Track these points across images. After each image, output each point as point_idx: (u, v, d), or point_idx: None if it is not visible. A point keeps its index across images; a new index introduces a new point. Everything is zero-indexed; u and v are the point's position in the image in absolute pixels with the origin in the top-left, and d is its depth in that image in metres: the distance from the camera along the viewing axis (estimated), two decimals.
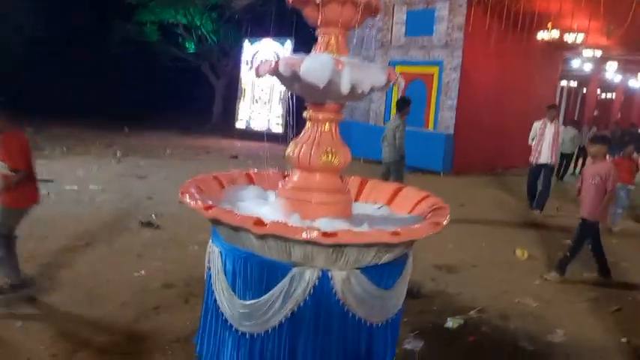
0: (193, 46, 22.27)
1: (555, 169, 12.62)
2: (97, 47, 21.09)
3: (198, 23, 21.40)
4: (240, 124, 19.32)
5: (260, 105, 18.95)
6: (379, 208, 3.53)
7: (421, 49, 12.76)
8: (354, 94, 2.84)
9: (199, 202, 2.68)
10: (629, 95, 29.09)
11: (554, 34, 13.16)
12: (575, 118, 18.76)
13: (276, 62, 2.83)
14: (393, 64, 13.21)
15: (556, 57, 17.09)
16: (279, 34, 18.84)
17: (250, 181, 3.67)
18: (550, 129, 8.06)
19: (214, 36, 21.98)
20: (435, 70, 12.57)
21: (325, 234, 2.43)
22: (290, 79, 2.87)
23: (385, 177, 7.07)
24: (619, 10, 10.33)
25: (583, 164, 13.15)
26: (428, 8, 12.61)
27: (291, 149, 3.13)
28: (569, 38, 13.51)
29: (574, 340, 3.95)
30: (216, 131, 19.28)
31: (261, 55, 18.82)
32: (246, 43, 19.37)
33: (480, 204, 8.74)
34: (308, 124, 3.15)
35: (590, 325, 4.25)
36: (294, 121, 3.44)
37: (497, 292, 4.78)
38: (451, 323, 3.99)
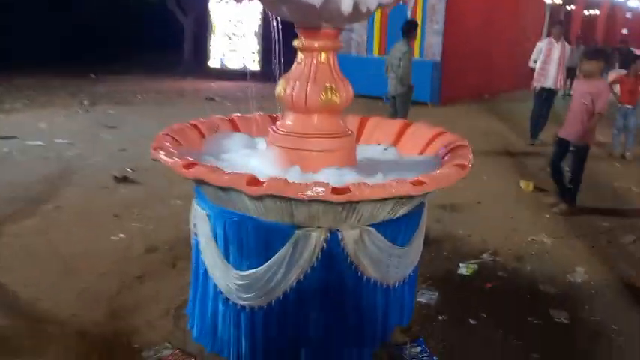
0: None
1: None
2: None
3: None
4: (213, 63, 18.32)
5: (233, 40, 17.92)
6: (385, 150, 3.08)
7: None
8: (357, 13, 2.30)
9: (177, 160, 2.19)
10: (612, 12, 28.32)
11: None
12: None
13: None
14: None
15: None
16: None
17: (234, 127, 3.16)
18: (557, 49, 7.47)
19: None
20: None
21: (336, 190, 1.98)
22: (277, 1, 2.31)
23: (393, 114, 6.45)
24: None
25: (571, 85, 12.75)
26: None
27: (281, 87, 2.61)
28: None
29: (596, 278, 3.68)
30: (189, 72, 18.27)
31: None
32: None
33: (474, 135, 8.30)
34: (300, 55, 2.61)
35: (610, 261, 3.97)
36: (279, 55, 2.89)
37: (507, 230, 4.46)
38: (465, 269, 3.67)
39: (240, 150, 2.82)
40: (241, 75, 17.13)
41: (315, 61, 2.55)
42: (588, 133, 4.72)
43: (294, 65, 2.64)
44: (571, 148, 4.85)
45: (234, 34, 17.78)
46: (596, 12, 25.98)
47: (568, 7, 22.31)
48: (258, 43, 17.22)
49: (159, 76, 16.65)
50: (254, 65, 17.34)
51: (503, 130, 9.17)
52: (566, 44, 7.69)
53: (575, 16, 23.03)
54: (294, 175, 2.26)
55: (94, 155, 6.47)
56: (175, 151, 2.33)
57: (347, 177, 2.27)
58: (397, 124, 3.23)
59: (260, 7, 16.85)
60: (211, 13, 18.14)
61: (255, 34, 17.28)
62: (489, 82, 13.56)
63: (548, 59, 7.38)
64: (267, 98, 11.55)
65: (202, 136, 2.90)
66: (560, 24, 8.27)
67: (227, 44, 17.95)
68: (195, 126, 2.91)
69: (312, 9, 2.23)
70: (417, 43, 12.11)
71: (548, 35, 8.49)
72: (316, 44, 2.53)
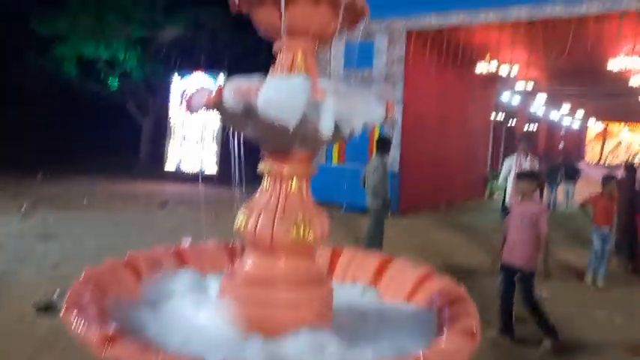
0: (117, 83, 20.66)
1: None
2: (7, 83, 19.12)
3: (122, 58, 19.92)
4: (169, 166, 17.92)
5: (191, 144, 17.72)
6: (363, 291, 2.56)
7: (361, 83, 12.20)
8: (337, 134, 1.91)
9: (93, 330, 1.59)
10: (550, 127, 30.28)
11: (493, 65, 13.08)
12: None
13: (219, 90, 1.85)
14: None
15: (491, 90, 17.23)
16: (211, 66, 17.91)
17: (181, 261, 2.60)
18: (527, 164, 7.32)
19: (139, 71, 20.56)
20: None
21: None
22: (240, 116, 1.88)
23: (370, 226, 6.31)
24: (554, 43, 10.27)
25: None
26: (367, 41, 12.10)
27: (242, 219, 2.12)
28: (504, 71, 13.49)
29: None
30: (144, 174, 17.72)
31: (192, 90, 17.73)
32: (175, 78, 18.19)
33: (439, 249, 7.99)
34: (266, 182, 2.16)
35: None
36: (239, 162, 2.42)
37: None
38: None
39: (188, 295, 2.24)
40: (197, 179, 16.72)
41: (284, 190, 2.10)
42: (535, 258, 4.40)
43: (258, 194, 2.17)
44: (518, 275, 4.47)
45: (192, 137, 17.61)
46: (536, 127, 27.61)
47: (510, 122, 23.67)
48: (217, 147, 17.06)
49: (112, 177, 15.99)
50: (212, 169, 17.03)
51: (466, 243, 8.87)
52: (535, 159, 7.70)
53: (517, 131, 24.33)
54: (253, 352, 1.68)
55: (20, 272, 5.64)
56: (94, 312, 1.73)
57: (327, 350, 1.71)
58: (376, 259, 2.74)
59: None
60: (171, 117, 18.05)
61: (214, 138, 17.16)
62: (444, 192, 13.65)
63: None
64: (223, 202, 11.09)
65: (139, 276, 2.31)
66: (527, 138, 8.30)
67: (185, 148, 17.71)
68: (130, 264, 2.32)
69: (283, 130, 1.81)
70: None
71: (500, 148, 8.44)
72: (286, 170, 2.10)
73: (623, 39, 10.22)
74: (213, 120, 17.22)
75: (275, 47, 2.11)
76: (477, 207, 14.04)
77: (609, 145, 34.14)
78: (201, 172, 17.16)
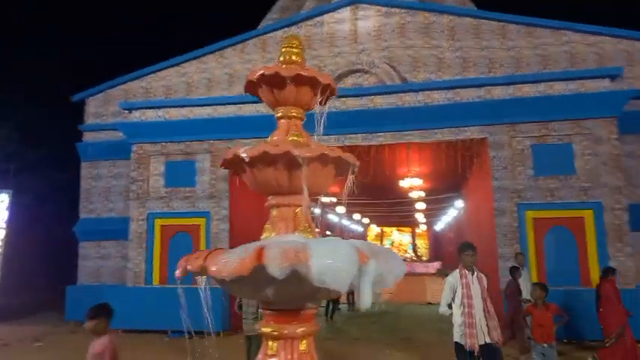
0: None
1: None
2: None
3: None
4: None
5: None
6: None
7: (184, 200, 11.97)
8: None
9: None
10: (343, 231, 34.01)
11: None
12: None
13: (260, 251, 1.74)
14: (152, 216, 11.99)
15: None
16: None
17: None
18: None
19: None
20: (201, 221, 11.84)
21: None
22: (273, 280, 1.80)
23: None
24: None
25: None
26: (188, 159, 12.14)
27: None
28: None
29: None
30: None
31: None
32: None
33: None
34: (272, 345, 2.03)
35: None
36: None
37: None
38: None
39: None
40: None
41: (296, 353, 2.01)
42: None
43: (265, 358, 2.03)
44: None
45: None
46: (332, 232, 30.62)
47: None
48: None
49: None
50: None
51: None
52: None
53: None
54: None
55: None
56: None
57: None
58: None
59: (1, 233, 14.47)
60: None
61: None
62: None
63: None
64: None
65: None
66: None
67: None
68: None
69: (309, 291, 1.80)
70: None
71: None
72: (299, 329, 2.03)
73: (409, 163, 12.37)
74: None
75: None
76: None
77: (386, 242, 40.41)
78: None
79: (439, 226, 31.81)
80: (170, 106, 12.35)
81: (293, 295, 1.91)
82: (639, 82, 10.84)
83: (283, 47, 2.35)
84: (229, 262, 1.77)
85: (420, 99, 10.95)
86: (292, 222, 2.07)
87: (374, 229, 40.50)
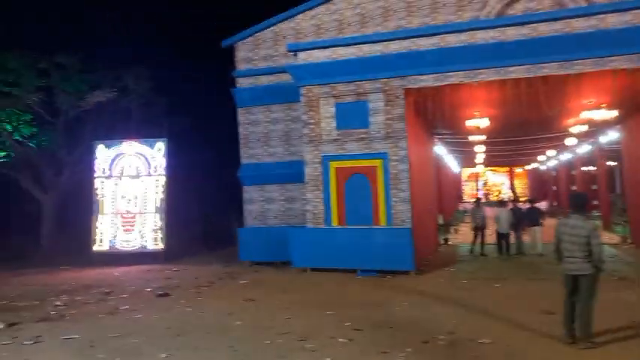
0: (3, 154, 17.19)
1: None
2: None
3: (10, 129, 16.71)
4: (99, 246, 15.39)
5: (128, 218, 15.44)
6: None
7: (358, 142, 11.83)
8: None
9: None
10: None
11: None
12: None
13: None
14: (326, 159, 11.99)
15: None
16: (147, 135, 16.10)
17: None
18: None
19: (34, 141, 17.49)
20: (378, 162, 11.70)
21: None
22: None
23: (569, 295, 5.77)
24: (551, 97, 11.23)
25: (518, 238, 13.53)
26: (360, 100, 11.89)
27: None
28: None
29: None
30: (53, 260, 14.82)
31: (126, 160, 15.68)
32: (100, 148, 15.85)
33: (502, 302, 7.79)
34: None
35: None
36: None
37: None
38: None
39: None
40: (138, 258, 14.47)
41: None
42: None
43: None
44: None
45: (128, 211, 15.34)
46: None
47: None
48: (161, 219, 15.04)
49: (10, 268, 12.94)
50: (155, 244, 14.92)
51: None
52: None
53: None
54: None
55: None
56: None
57: None
58: None
59: (161, 180, 15.07)
60: (98, 190, 15.57)
61: (157, 210, 15.14)
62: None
63: None
64: (176, 287, 9.50)
65: None
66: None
67: (119, 223, 15.33)
68: None
69: None
70: (381, 212, 11.75)
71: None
72: None
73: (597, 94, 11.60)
74: (152, 190, 15.32)
75: None
76: None
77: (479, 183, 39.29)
78: (142, 249, 14.92)
79: (550, 164, 30.49)
80: (339, 45, 12.00)
81: None
82: None
83: None
84: None
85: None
86: None
87: (466, 170, 39.55)
